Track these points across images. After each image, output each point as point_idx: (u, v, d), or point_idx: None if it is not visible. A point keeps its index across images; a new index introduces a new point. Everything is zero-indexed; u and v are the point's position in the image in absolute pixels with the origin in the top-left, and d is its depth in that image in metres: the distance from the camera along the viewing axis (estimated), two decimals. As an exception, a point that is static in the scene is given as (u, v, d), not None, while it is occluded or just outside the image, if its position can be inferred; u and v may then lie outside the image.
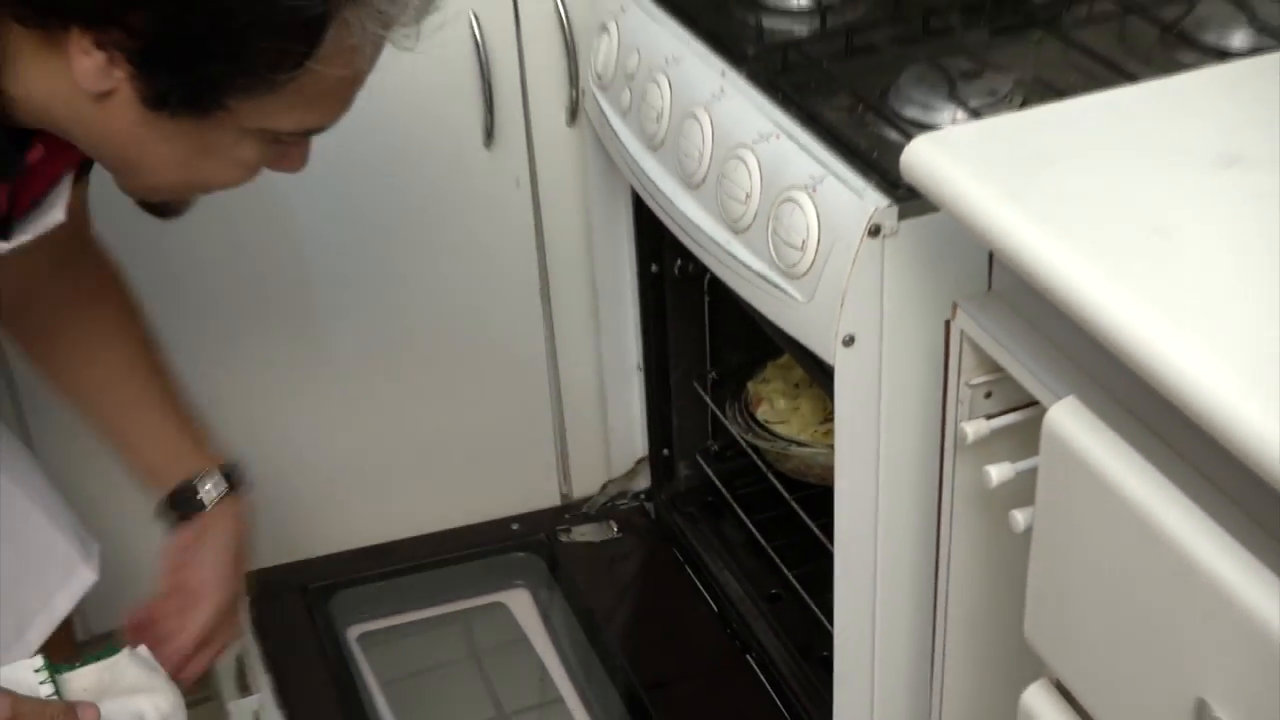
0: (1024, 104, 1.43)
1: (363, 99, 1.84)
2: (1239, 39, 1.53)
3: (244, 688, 1.88)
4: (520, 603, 2.07)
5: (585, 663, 1.95)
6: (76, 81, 1.19)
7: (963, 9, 1.69)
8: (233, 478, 1.69)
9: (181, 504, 1.67)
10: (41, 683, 1.42)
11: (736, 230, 1.56)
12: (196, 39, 1.15)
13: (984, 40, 1.63)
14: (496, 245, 2.10)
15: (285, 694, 1.83)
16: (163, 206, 1.44)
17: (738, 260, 1.57)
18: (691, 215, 1.65)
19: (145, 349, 1.70)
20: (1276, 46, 1.48)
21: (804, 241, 1.44)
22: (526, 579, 2.09)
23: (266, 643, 1.90)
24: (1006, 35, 1.64)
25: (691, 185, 1.64)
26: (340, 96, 1.30)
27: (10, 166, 1.30)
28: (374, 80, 1.84)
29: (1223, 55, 1.51)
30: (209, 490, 1.67)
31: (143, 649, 1.55)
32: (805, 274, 1.45)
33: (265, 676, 1.87)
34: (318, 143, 1.89)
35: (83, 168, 1.51)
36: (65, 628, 1.70)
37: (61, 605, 1.63)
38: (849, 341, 1.42)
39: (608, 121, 1.85)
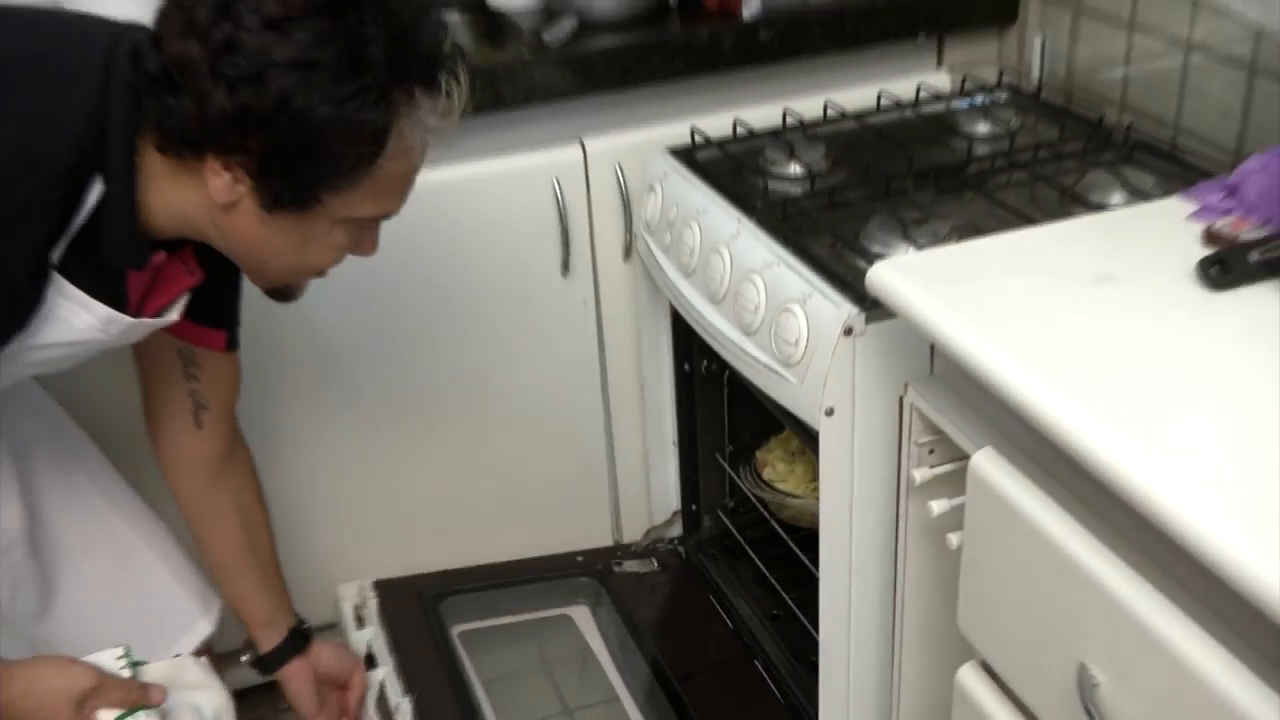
0: (958, 241, 1.46)
1: (472, 236, 1.88)
2: (1115, 198, 1.57)
3: (370, 666, 1.86)
4: (582, 616, 2.07)
5: (631, 660, 1.94)
6: (209, 196, 1.20)
7: (914, 176, 1.71)
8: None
9: (294, 645, 1.72)
10: (121, 668, 1.39)
11: (748, 333, 1.59)
12: (297, 152, 1.17)
13: (929, 198, 1.66)
14: (569, 349, 2.07)
15: (404, 670, 1.83)
16: (283, 292, 1.40)
17: (749, 355, 1.59)
18: (715, 323, 1.68)
19: (265, 529, 1.71)
20: (1141, 202, 1.52)
21: (797, 340, 1.49)
22: (587, 598, 2.08)
23: (390, 633, 1.90)
24: (946, 195, 1.67)
25: (715, 300, 1.67)
26: (402, 188, 1.30)
27: (142, 259, 1.28)
28: (482, 225, 1.87)
29: (1102, 208, 1.55)
30: (308, 632, 1.74)
31: (204, 659, 1.55)
32: (798, 363, 1.49)
33: (390, 656, 1.86)
34: (436, 271, 1.92)
35: (229, 344, 1.56)
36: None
37: (180, 652, 1.60)
38: (830, 412, 1.45)
39: (654, 256, 1.87)
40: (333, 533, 2.06)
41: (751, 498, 1.97)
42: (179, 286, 1.36)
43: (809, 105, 1.96)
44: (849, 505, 1.50)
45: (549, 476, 2.14)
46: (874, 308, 1.38)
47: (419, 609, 1.97)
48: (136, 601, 1.63)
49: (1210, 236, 1.26)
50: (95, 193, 1.19)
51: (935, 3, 2.05)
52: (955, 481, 1.26)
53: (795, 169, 1.78)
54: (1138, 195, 1.56)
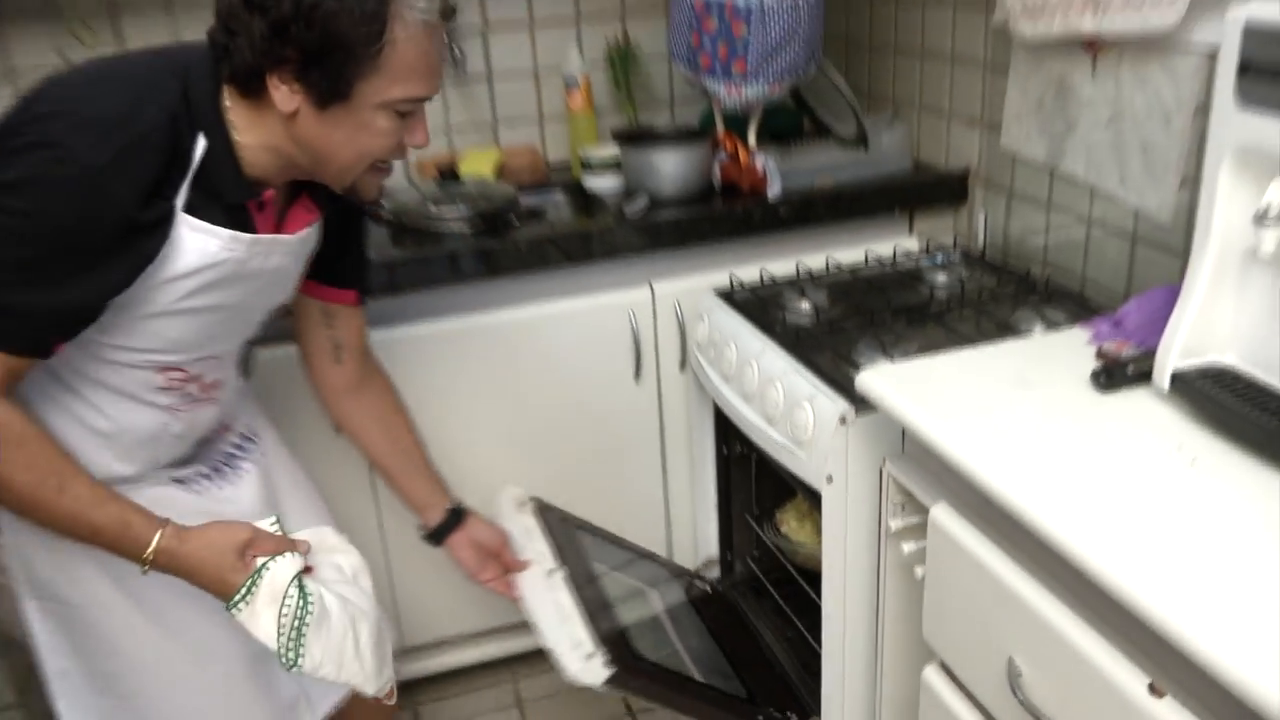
0: (922, 357, 1.45)
1: (571, 352, 1.91)
2: (1037, 328, 1.59)
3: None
4: (655, 599, 1.92)
5: (689, 643, 1.81)
6: (278, 112, 1.16)
7: (892, 312, 1.72)
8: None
9: (453, 520, 1.68)
10: (273, 529, 1.32)
11: (771, 422, 1.61)
12: (321, 46, 1.11)
13: (903, 327, 1.67)
14: (638, 434, 2.04)
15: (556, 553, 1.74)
16: (362, 192, 1.31)
17: (771, 438, 1.62)
18: (747, 415, 1.69)
19: (412, 428, 1.67)
20: (1054, 331, 1.54)
21: (806, 426, 1.51)
22: (661, 590, 1.96)
23: (544, 525, 1.82)
24: (914, 325, 1.68)
25: (747, 399, 1.69)
26: (423, 70, 1.20)
27: (252, 192, 1.23)
28: (578, 343, 1.91)
29: (1027, 335, 1.56)
30: (464, 508, 1.70)
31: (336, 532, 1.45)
32: (806, 443, 1.52)
33: (545, 539, 1.78)
34: (545, 376, 1.90)
35: (359, 300, 1.52)
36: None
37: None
38: (829, 479, 1.49)
39: (703, 367, 1.87)
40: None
41: (772, 547, 1.95)
42: (303, 222, 1.32)
43: (815, 260, 1.98)
44: (844, 549, 1.52)
45: (620, 528, 2.05)
46: (862, 403, 1.40)
47: (561, 524, 1.86)
48: None
49: (1100, 354, 1.33)
50: (200, 147, 1.16)
51: (908, 188, 2.10)
52: (920, 529, 1.30)
53: (805, 306, 1.78)
54: (1052, 326, 1.58)
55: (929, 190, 2.10)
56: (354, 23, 1.11)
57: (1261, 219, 1.07)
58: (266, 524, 1.31)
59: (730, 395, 1.75)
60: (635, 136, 2.15)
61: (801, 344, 1.64)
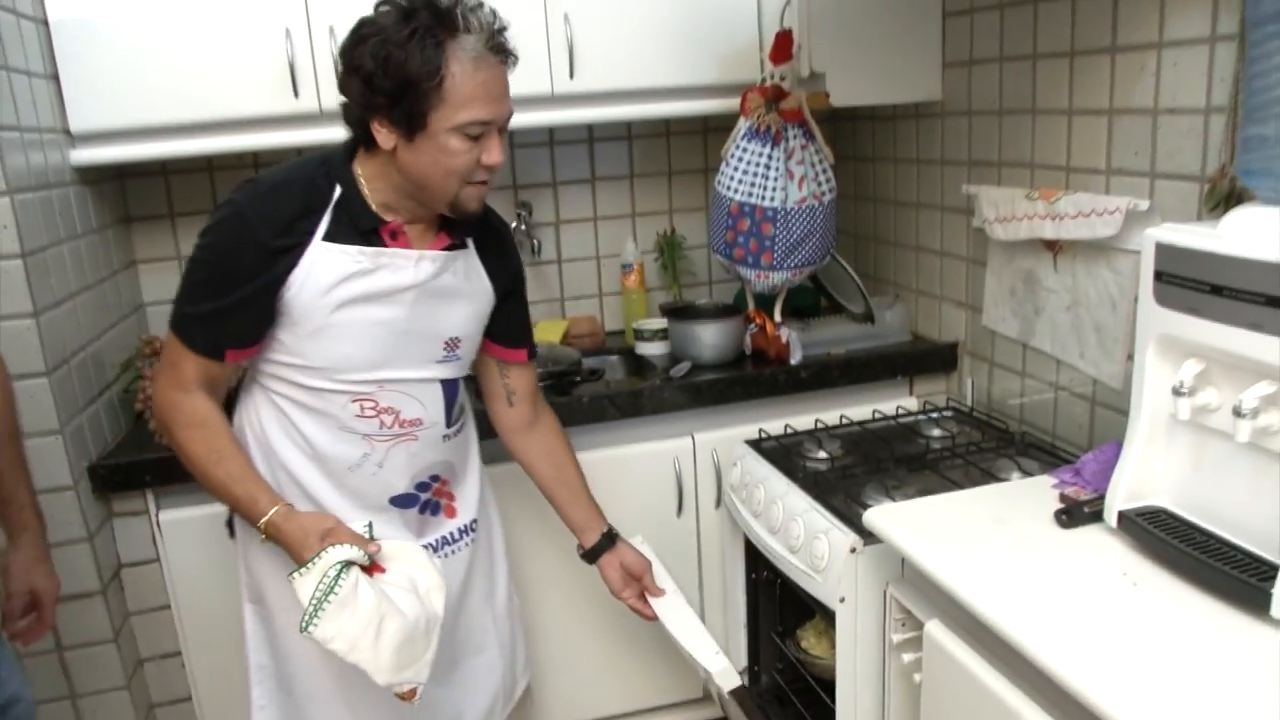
0: (919, 498, 1.54)
1: (624, 491, 1.97)
2: (1014, 475, 1.69)
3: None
4: None
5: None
6: (384, 152, 1.33)
7: (894, 460, 1.81)
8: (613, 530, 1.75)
9: (605, 543, 1.74)
10: (361, 530, 1.39)
11: (793, 551, 1.70)
12: (396, 88, 1.26)
13: (903, 474, 1.76)
14: (679, 564, 2.04)
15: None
16: (463, 208, 1.39)
17: (793, 564, 1.70)
18: (773, 545, 1.77)
19: (575, 463, 1.74)
20: (1027, 478, 1.64)
21: (823, 555, 1.61)
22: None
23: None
24: (913, 472, 1.77)
25: (773, 532, 1.77)
26: (483, 98, 1.30)
27: (378, 221, 1.39)
28: (630, 484, 1.99)
29: (1004, 481, 1.66)
30: (616, 535, 1.75)
31: (432, 555, 1.47)
32: (823, 570, 1.61)
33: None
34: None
35: (530, 356, 1.66)
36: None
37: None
38: (842, 600, 1.57)
39: (736, 506, 1.93)
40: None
41: (794, 661, 1.96)
42: (436, 246, 1.44)
43: (830, 416, 2.06)
44: (854, 659, 1.59)
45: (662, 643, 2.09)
46: (869, 536, 1.50)
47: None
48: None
49: (1062, 498, 1.46)
50: (336, 192, 1.36)
51: (908, 357, 2.21)
52: (918, 642, 1.40)
53: (822, 454, 1.88)
54: (1026, 474, 1.67)
55: (925, 359, 2.22)
56: (418, 65, 1.26)
57: (1178, 391, 1.23)
58: (359, 525, 1.39)
59: (759, 529, 1.83)
60: (680, 311, 2.32)
61: (819, 486, 1.74)
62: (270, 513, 1.37)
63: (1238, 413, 1.14)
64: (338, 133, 1.60)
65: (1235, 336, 1.14)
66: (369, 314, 1.40)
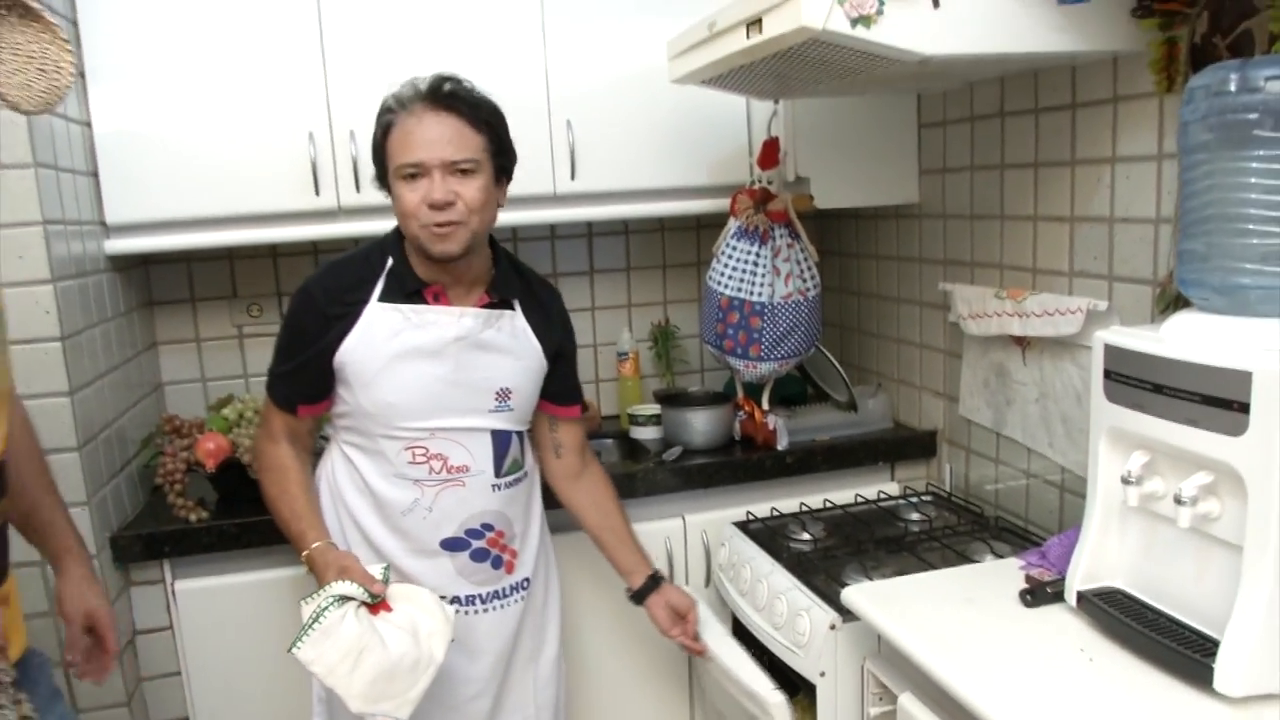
0: (894, 577, 1.62)
1: (610, 571, 1.92)
2: (986, 557, 1.77)
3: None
4: None
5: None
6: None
7: (874, 542, 1.88)
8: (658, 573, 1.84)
9: (651, 585, 1.83)
10: (376, 573, 1.50)
11: (776, 628, 1.76)
12: (374, 157, 1.58)
13: (882, 555, 1.84)
14: (668, 640, 2.01)
15: None
16: (433, 249, 1.55)
17: (777, 640, 1.76)
18: (758, 622, 1.83)
19: (620, 510, 1.86)
20: (998, 560, 1.72)
21: (805, 631, 1.68)
22: None
23: None
24: (891, 553, 1.84)
25: (758, 609, 1.84)
26: (414, 143, 1.51)
27: (421, 284, 1.59)
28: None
29: (976, 563, 1.73)
30: (661, 577, 1.84)
31: (444, 604, 1.56)
32: (805, 645, 1.68)
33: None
34: (589, 588, 1.94)
35: (581, 412, 1.83)
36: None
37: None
38: (822, 674, 1.64)
39: (724, 584, 2.02)
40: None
41: None
42: (475, 305, 1.63)
43: (815, 500, 2.15)
44: None
45: (653, 710, 2.22)
46: (848, 614, 1.57)
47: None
48: None
49: (1028, 579, 1.53)
50: (388, 263, 1.59)
51: (889, 443, 2.31)
52: (893, 715, 1.47)
53: (805, 536, 1.96)
54: (998, 556, 1.75)
55: (906, 445, 2.32)
56: (378, 134, 1.55)
57: (1126, 480, 1.33)
58: (376, 569, 1.51)
59: (745, 606, 1.90)
60: (672, 398, 2.43)
61: (801, 566, 1.82)
62: (311, 547, 1.55)
63: (1178, 500, 1.23)
64: (354, 227, 1.78)
65: (1175, 431, 1.25)
66: (419, 367, 1.57)
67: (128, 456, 2.07)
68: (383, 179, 1.57)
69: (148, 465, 2.11)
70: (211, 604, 1.97)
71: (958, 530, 1.95)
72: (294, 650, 1.39)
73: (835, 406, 2.41)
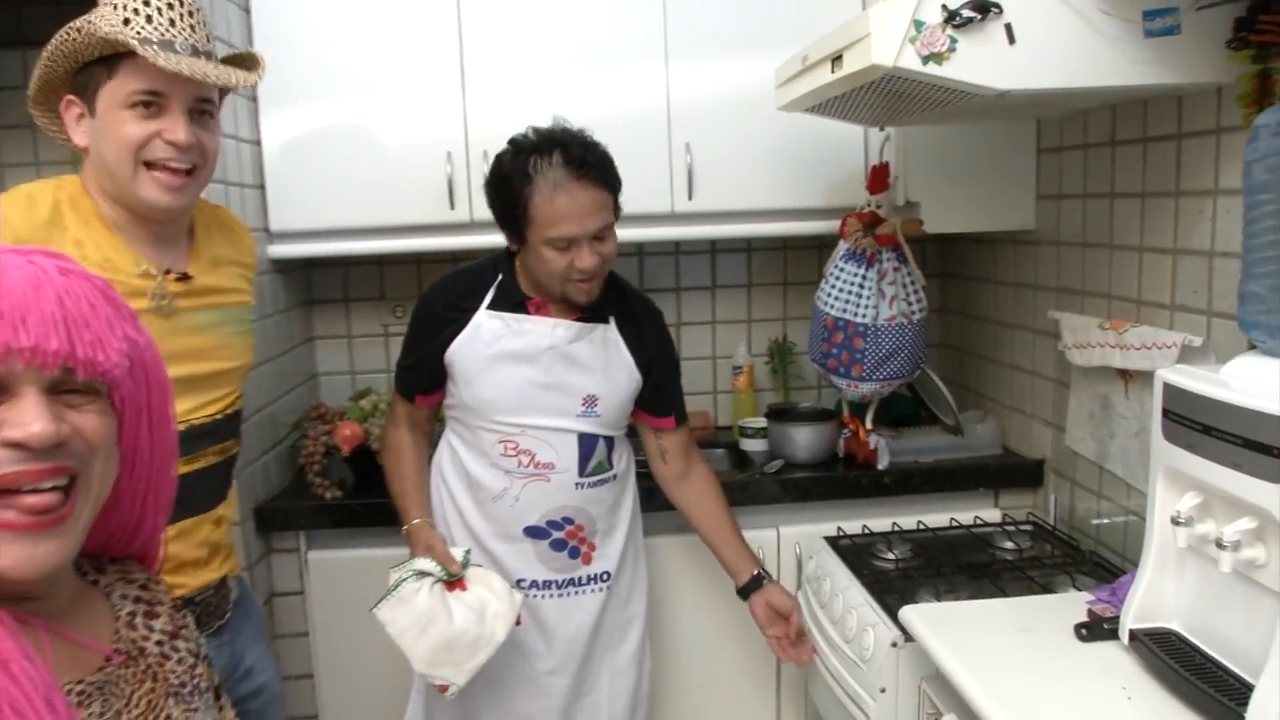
0: (962, 600, 1.67)
1: (706, 573, 2.10)
2: (1068, 589, 1.73)
3: None
4: None
5: None
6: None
7: (957, 567, 1.89)
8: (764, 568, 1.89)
9: (754, 584, 1.87)
10: (458, 555, 1.65)
11: (846, 640, 1.79)
12: (501, 211, 1.71)
13: (962, 580, 1.83)
14: (757, 648, 2.05)
15: None
16: (575, 303, 1.74)
17: (844, 652, 1.80)
18: (831, 634, 1.86)
19: (726, 511, 1.93)
20: (1080, 592, 1.69)
21: (869, 646, 1.71)
22: None
23: None
24: (971, 579, 1.83)
25: (833, 622, 1.86)
26: (564, 218, 1.62)
27: (525, 296, 1.75)
28: (717, 568, 2.03)
29: (1051, 593, 1.72)
30: (765, 576, 1.88)
31: (514, 592, 1.68)
32: (868, 660, 1.71)
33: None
34: (690, 589, 2.13)
35: (677, 423, 1.92)
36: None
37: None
38: (883, 690, 1.67)
39: (809, 595, 2.02)
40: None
41: None
42: (570, 319, 1.77)
43: (908, 521, 2.15)
44: None
45: (743, 706, 2.30)
46: (906, 634, 1.60)
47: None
48: None
49: (1089, 613, 1.53)
50: (498, 278, 1.76)
51: (990, 470, 2.30)
52: None
53: (891, 555, 1.98)
54: (1078, 589, 1.71)
55: (1011, 472, 2.31)
56: (509, 195, 1.64)
57: (1176, 521, 1.32)
58: (459, 551, 1.68)
59: (822, 618, 1.93)
60: (780, 413, 2.49)
61: (879, 584, 1.85)
62: (410, 523, 1.75)
63: (1219, 544, 1.22)
64: (485, 239, 1.97)
65: (1222, 474, 1.23)
66: (514, 369, 1.74)
67: (278, 437, 2.32)
68: (515, 230, 1.68)
69: (294, 446, 2.34)
70: (339, 574, 2.19)
71: (1046, 562, 1.93)
72: (374, 610, 1.58)
73: (942, 429, 2.42)
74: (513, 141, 1.68)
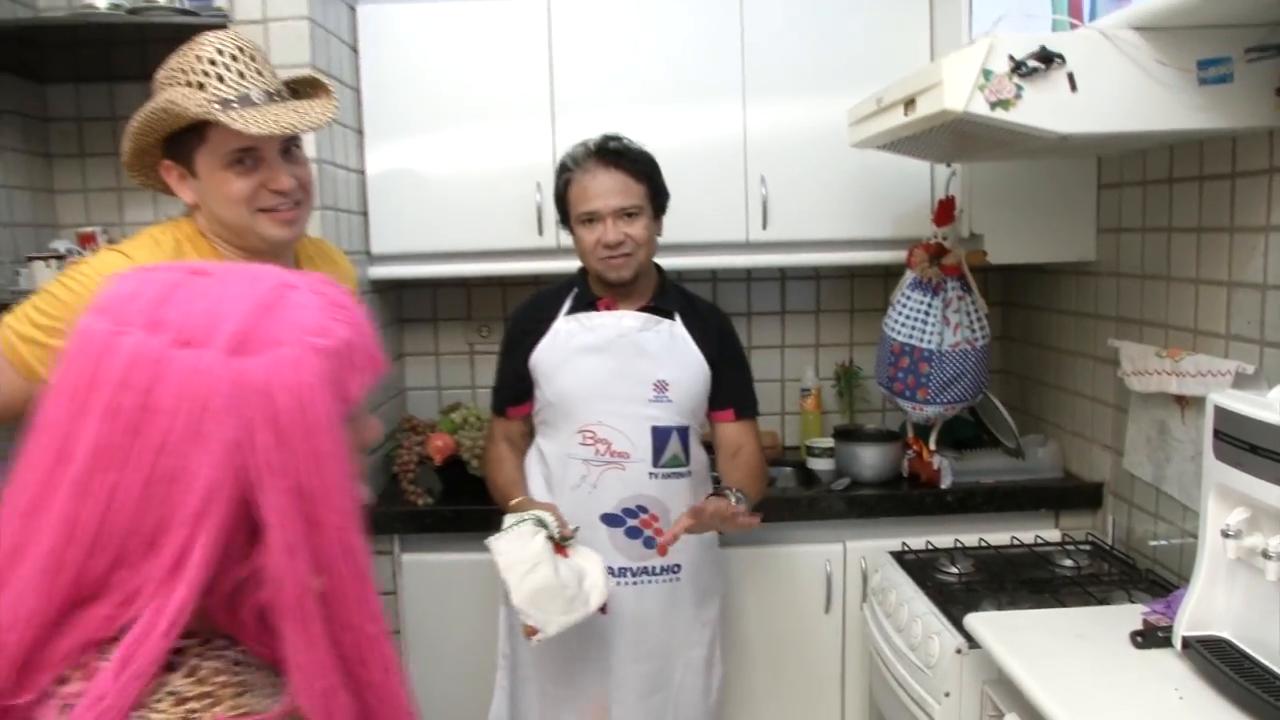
0: (1022, 610, 1.77)
1: (784, 587, 2.25)
2: (1125, 604, 1.83)
3: None
4: None
5: None
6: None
7: (1018, 582, 1.96)
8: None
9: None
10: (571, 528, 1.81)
11: (912, 648, 1.90)
12: (557, 205, 2.00)
13: (1024, 594, 1.91)
14: (826, 651, 2.35)
15: None
16: (610, 281, 1.95)
17: (909, 658, 1.90)
18: (897, 642, 1.97)
19: (754, 473, 2.00)
20: (1129, 605, 1.80)
21: (935, 652, 1.81)
22: None
23: None
24: (1033, 593, 1.91)
25: (899, 630, 1.97)
26: (588, 195, 1.89)
27: (596, 298, 1.96)
28: (788, 581, 2.25)
29: (1105, 604, 1.81)
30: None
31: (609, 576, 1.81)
32: (933, 666, 1.81)
33: None
34: (758, 606, 2.24)
35: (736, 417, 2.03)
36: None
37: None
38: (947, 694, 1.77)
39: (874, 606, 2.14)
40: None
41: None
42: (636, 308, 1.96)
43: (970, 539, 2.23)
44: None
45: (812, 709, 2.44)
46: (970, 640, 1.71)
47: None
48: None
49: (1144, 622, 1.63)
50: (573, 291, 1.97)
51: (1051, 492, 2.40)
52: None
53: (954, 570, 2.07)
54: (1134, 603, 1.78)
55: (1070, 494, 2.40)
56: (559, 188, 1.94)
57: (1225, 534, 1.43)
58: (571, 525, 1.84)
59: (888, 626, 2.04)
60: (847, 433, 2.62)
61: (943, 595, 1.94)
62: (515, 500, 1.90)
63: (1265, 555, 1.34)
64: (569, 264, 2.11)
65: (1268, 490, 1.35)
66: (589, 360, 1.92)
67: (374, 447, 2.49)
68: (565, 222, 1.96)
69: (388, 455, 2.51)
70: (430, 576, 2.36)
71: (1104, 579, 2.01)
72: (490, 540, 1.74)
73: (1004, 452, 2.52)
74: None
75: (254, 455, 0.70)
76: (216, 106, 1.37)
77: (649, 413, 1.92)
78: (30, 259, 2.49)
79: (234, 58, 1.41)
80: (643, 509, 1.93)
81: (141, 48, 2.67)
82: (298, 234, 1.54)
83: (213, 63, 1.40)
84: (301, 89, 1.52)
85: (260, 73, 1.44)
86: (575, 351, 1.93)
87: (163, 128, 1.42)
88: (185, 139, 1.43)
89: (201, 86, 1.38)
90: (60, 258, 2.51)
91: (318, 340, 0.74)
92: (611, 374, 1.91)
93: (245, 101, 1.39)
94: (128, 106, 2.67)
